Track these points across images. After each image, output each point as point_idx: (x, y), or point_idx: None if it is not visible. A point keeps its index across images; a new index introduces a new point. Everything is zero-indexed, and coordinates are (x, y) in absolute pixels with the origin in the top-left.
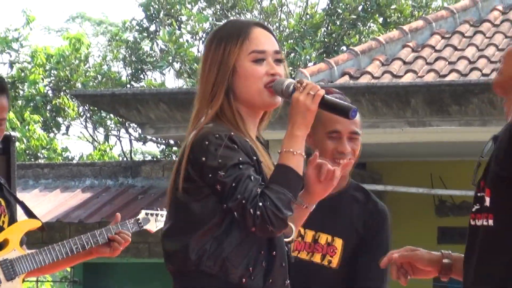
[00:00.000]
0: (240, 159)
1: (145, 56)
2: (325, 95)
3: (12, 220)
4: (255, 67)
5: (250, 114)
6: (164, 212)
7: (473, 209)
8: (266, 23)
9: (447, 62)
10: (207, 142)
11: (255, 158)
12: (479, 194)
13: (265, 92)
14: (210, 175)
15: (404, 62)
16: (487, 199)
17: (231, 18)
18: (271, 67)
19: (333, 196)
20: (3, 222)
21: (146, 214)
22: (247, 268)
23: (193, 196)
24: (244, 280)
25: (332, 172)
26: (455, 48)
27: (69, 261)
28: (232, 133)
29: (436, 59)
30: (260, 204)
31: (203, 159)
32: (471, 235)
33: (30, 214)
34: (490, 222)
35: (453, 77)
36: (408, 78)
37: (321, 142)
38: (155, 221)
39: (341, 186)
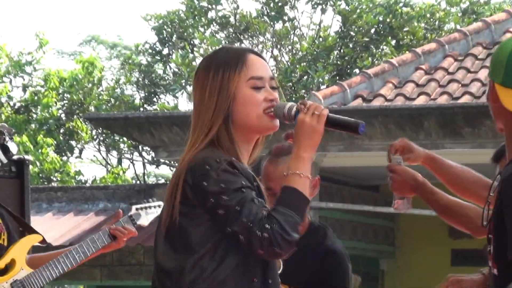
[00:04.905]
0: (243, 183)
1: (158, 80)
2: (330, 114)
3: (10, 236)
4: (255, 94)
5: (245, 140)
6: (155, 203)
7: (487, 249)
8: (260, 52)
9: (460, 85)
10: (208, 167)
11: (255, 183)
12: (489, 235)
13: (265, 117)
14: (212, 200)
15: (417, 85)
16: (492, 247)
17: (241, 42)
18: (269, 93)
19: None
20: (3, 240)
21: (137, 209)
22: None
23: (191, 220)
24: None
25: None
26: (468, 71)
27: (74, 267)
28: (232, 158)
29: (449, 82)
30: (268, 226)
31: (205, 184)
32: (490, 276)
33: (29, 229)
34: (495, 271)
35: (466, 99)
36: (421, 101)
37: None
38: (146, 214)
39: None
